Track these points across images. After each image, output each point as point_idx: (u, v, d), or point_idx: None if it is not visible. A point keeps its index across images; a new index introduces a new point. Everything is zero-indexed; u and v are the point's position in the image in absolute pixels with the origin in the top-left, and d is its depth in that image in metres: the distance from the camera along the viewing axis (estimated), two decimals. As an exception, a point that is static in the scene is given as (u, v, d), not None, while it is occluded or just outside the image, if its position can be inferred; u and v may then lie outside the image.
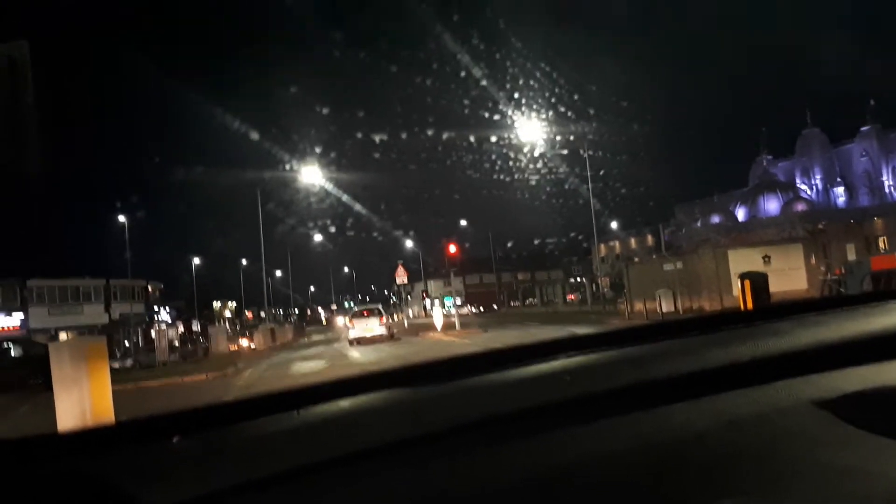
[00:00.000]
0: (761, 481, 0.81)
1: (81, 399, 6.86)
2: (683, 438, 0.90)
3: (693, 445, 0.89)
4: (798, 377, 1.03)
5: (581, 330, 11.86)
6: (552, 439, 0.89)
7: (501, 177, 44.67)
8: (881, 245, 45.34)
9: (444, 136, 38.36)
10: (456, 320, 29.64)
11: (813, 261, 26.48)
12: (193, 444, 0.85)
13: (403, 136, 39.87)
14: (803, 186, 63.83)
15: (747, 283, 12.68)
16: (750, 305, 12.84)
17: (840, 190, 62.36)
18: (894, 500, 0.75)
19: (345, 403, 0.95)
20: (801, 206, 58.02)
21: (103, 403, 7.10)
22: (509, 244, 74.68)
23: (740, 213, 63.15)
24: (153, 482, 0.77)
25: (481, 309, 47.51)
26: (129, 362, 39.37)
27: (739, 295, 12.55)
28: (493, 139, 37.68)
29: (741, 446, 0.89)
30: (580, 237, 59.40)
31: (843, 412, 0.93)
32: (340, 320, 46.14)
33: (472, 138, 39.63)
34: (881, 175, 59.10)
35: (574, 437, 0.90)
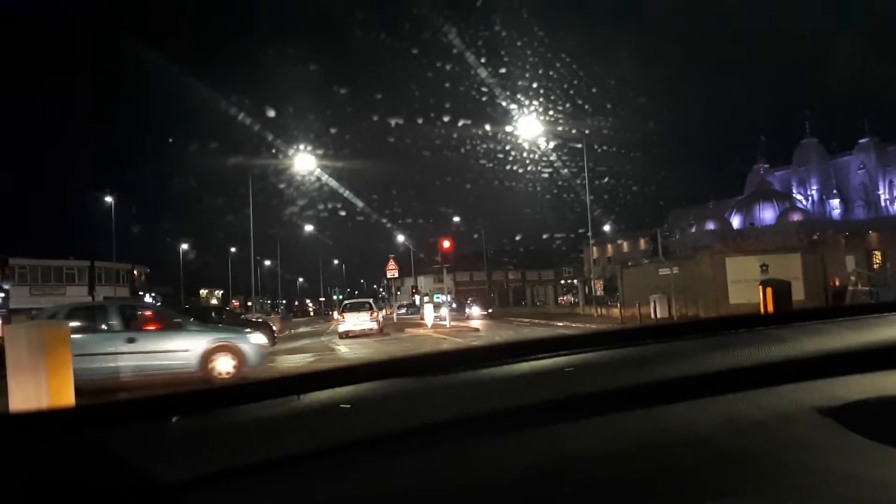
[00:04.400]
0: (761, 485, 0.81)
1: (38, 390, 6.24)
2: (683, 439, 0.90)
3: (693, 447, 0.89)
4: (800, 383, 1.03)
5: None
6: (551, 435, 0.89)
7: (495, 175, 44.16)
8: (875, 259, 45.14)
9: (440, 131, 37.69)
10: (447, 320, 29.23)
11: (812, 271, 26.05)
12: (191, 425, 0.84)
13: (397, 131, 39.22)
14: (799, 196, 63.74)
15: (769, 290, 12.18)
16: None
17: (835, 202, 62.25)
18: None
19: (345, 391, 0.94)
20: (797, 217, 57.91)
21: (63, 395, 6.47)
22: (505, 240, 74.20)
23: (735, 221, 63.05)
24: (149, 463, 0.77)
25: (489, 311, 46.44)
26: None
27: (760, 302, 12.07)
28: (490, 135, 37.06)
29: (741, 449, 0.89)
30: (573, 237, 58.93)
31: (844, 420, 0.93)
32: (331, 313, 45.73)
33: (468, 134, 38.97)
34: (878, 188, 59.01)
35: (573, 434, 0.90)
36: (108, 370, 10.39)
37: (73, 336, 10.53)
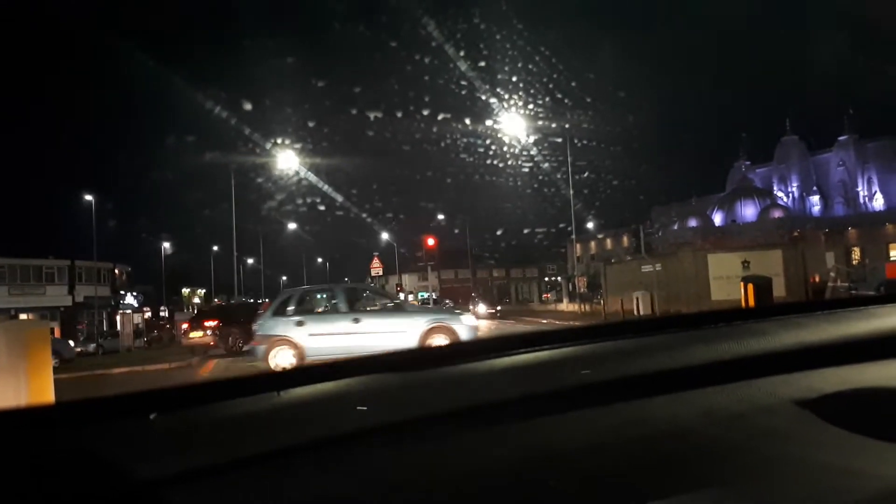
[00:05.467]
0: (741, 475, 0.82)
1: (18, 392, 6.16)
2: (665, 432, 0.91)
3: (674, 439, 0.90)
4: (779, 376, 1.04)
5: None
6: (534, 428, 0.90)
7: (476, 170, 44.06)
8: (854, 255, 45.73)
9: (421, 125, 37.49)
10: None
11: (793, 267, 26.34)
12: (170, 422, 0.84)
13: (377, 125, 38.91)
14: (780, 193, 64.30)
15: (751, 286, 12.30)
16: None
17: (815, 199, 62.88)
18: (871, 498, 0.76)
19: (326, 387, 0.94)
20: (777, 213, 58.42)
21: (43, 396, 6.40)
22: (487, 236, 74.20)
23: (717, 218, 63.48)
24: (130, 461, 0.77)
25: (499, 309, 43.27)
26: (91, 347, 38.36)
27: (742, 298, 12.19)
28: (471, 130, 36.93)
29: (721, 441, 0.90)
30: (555, 233, 59.07)
31: (822, 411, 0.94)
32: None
33: (449, 129, 38.83)
34: (857, 185, 59.63)
35: (557, 427, 0.91)
36: (338, 349, 11.06)
37: (307, 317, 11.91)
